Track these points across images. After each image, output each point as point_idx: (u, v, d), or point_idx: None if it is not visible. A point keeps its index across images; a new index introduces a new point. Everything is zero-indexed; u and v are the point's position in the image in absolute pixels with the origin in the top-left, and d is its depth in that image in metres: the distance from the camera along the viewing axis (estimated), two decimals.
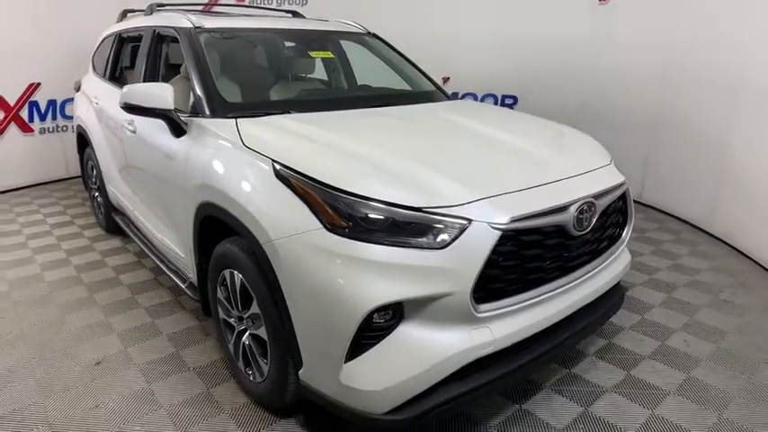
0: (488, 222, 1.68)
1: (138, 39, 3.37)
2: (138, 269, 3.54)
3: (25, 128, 5.35)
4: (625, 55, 4.82)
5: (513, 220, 1.71)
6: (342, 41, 3.55)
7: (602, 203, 2.02)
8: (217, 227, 2.16)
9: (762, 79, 3.61)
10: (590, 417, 2.14)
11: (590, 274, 2.09)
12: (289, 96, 2.97)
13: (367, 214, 1.67)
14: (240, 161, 2.05)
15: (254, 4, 6.06)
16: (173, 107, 2.35)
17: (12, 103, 5.20)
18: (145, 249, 3.23)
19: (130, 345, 2.63)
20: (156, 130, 2.65)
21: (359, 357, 1.66)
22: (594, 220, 1.96)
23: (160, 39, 3.14)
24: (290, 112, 2.45)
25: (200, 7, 4.22)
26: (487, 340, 1.72)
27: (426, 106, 2.98)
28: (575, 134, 2.62)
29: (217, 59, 2.74)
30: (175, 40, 2.87)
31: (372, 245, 1.63)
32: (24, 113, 5.32)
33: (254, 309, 1.98)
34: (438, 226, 1.66)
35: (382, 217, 1.67)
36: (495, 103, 5.86)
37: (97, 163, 3.90)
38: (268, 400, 2.10)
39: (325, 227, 1.68)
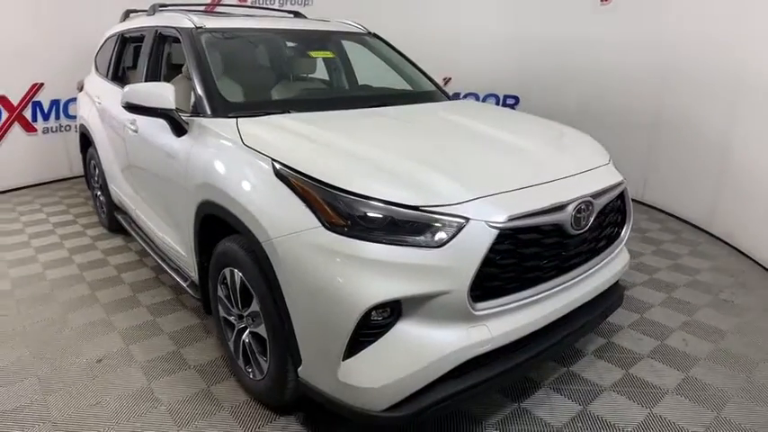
0: (486, 221, 1.69)
1: (141, 39, 3.39)
2: (139, 268, 3.56)
3: (29, 127, 5.39)
4: (626, 55, 4.82)
5: (511, 219, 1.72)
6: (343, 41, 3.57)
7: (600, 202, 2.03)
8: (217, 225, 2.18)
9: (762, 79, 3.61)
10: (588, 415, 2.15)
11: (588, 273, 2.10)
12: (289, 96, 2.99)
13: (366, 213, 1.68)
14: (240, 160, 2.07)
15: (257, 5, 6.09)
16: (174, 107, 2.36)
17: (15, 103, 5.24)
18: (146, 248, 3.24)
19: (132, 343, 2.65)
20: (157, 130, 2.67)
21: (357, 355, 1.67)
22: (592, 220, 1.97)
23: (162, 39, 3.16)
24: (290, 112, 2.46)
25: (202, 8, 4.23)
26: (485, 338, 1.73)
27: (426, 106, 2.99)
28: (574, 134, 2.62)
29: (218, 59, 2.76)
30: (177, 41, 2.88)
31: (371, 243, 1.64)
32: (28, 113, 5.35)
33: (254, 307, 1.99)
34: (436, 224, 1.67)
35: (381, 216, 1.68)
36: (498, 103, 5.87)
37: (99, 162, 3.92)
38: (268, 397, 2.11)
39: (324, 225, 1.69)
